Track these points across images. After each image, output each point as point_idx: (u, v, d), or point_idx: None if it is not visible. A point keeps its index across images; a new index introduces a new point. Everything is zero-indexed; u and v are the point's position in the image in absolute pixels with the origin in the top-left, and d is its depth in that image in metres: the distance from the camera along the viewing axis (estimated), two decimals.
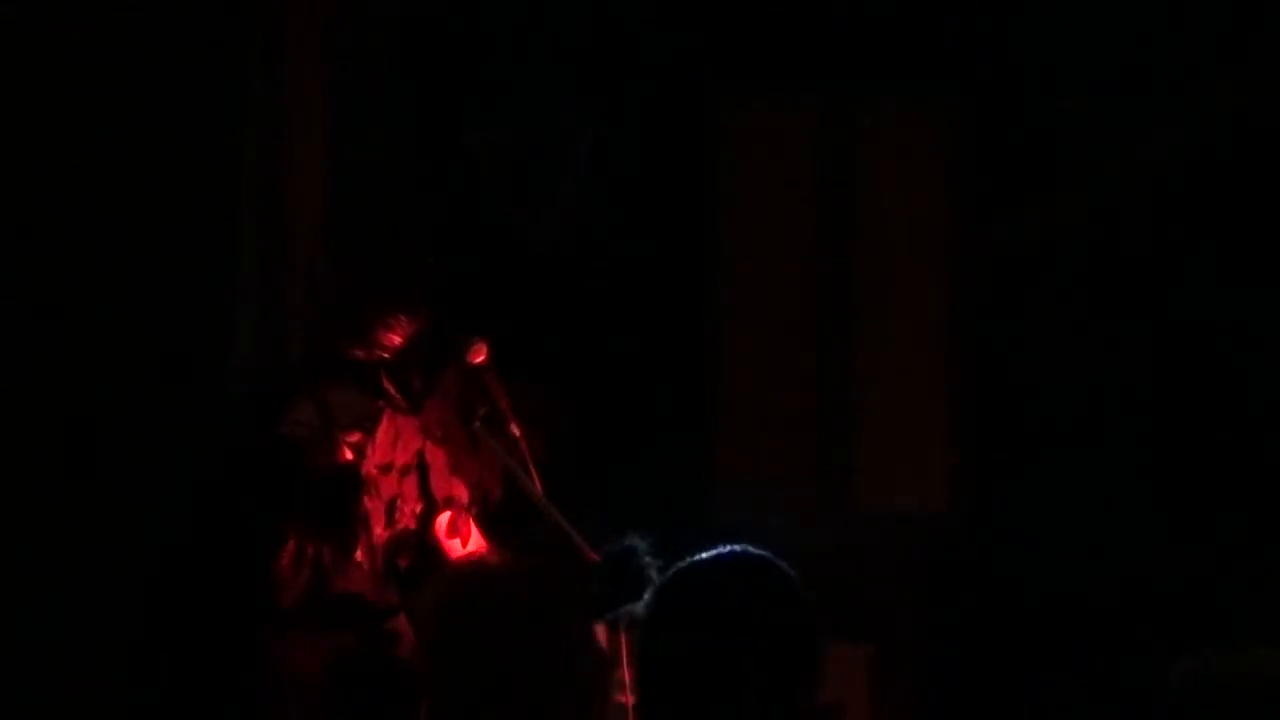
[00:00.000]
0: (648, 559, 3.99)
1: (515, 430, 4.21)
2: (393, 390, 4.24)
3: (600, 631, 3.80)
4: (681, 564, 2.57)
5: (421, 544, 4.26)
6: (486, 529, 4.32)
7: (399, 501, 4.26)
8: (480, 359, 4.23)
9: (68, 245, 4.63)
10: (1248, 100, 5.68)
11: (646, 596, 3.78)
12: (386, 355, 4.23)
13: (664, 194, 5.75)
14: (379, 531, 4.18)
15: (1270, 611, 5.06)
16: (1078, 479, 5.55)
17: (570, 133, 5.70)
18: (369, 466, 4.20)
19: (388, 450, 4.23)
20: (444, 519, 4.32)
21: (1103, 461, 5.61)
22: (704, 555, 2.56)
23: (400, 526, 4.24)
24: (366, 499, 4.20)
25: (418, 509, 4.29)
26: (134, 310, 4.70)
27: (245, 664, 4.06)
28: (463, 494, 4.34)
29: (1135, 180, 5.72)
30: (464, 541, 4.30)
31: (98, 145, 4.65)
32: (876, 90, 5.75)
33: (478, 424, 4.23)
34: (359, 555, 4.15)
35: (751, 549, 2.58)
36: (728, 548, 2.56)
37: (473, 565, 3.93)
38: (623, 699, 3.72)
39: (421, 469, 4.31)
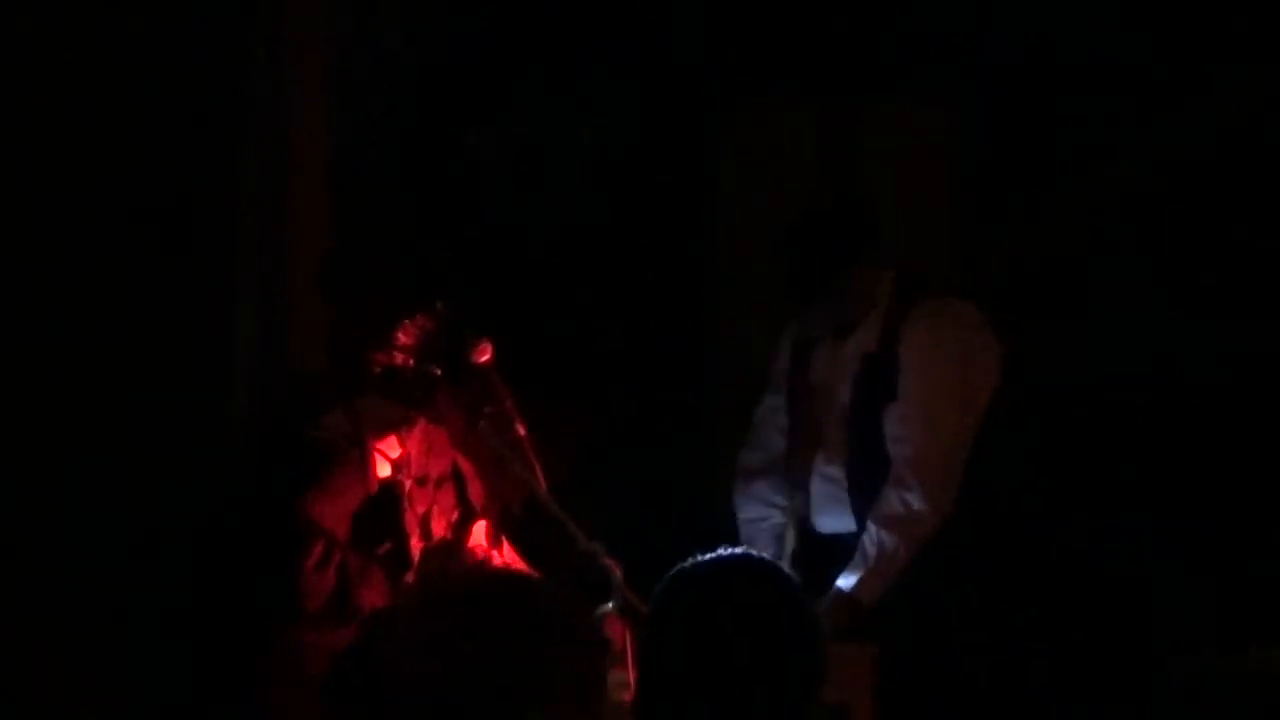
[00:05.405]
0: (607, 562, 4.00)
1: (520, 430, 4.20)
2: (421, 396, 4.22)
3: (613, 629, 3.82)
4: (682, 565, 2.57)
5: (455, 554, 4.24)
6: (514, 537, 4.33)
7: (434, 511, 4.24)
8: (485, 358, 4.23)
9: (67, 246, 4.63)
10: (1249, 100, 5.69)
11: (613, 599, 3.83)
12: (409, 359, 4.20)
13: (665, 194, 5.76)
14: (414, 544, 4.17)
15: (1270, 611, 5.06)
16: (1077, 479, 5.56)
17: (571, 133, 5.71)
18: (406, 480, 4.18)
19: (422, 462, 4.22)
20: (481, 528, 4.32)
21: (1102, 461, 5.61)
22: (704, 557, 2.57)
23: (436, 538, 4.23)
24: (404, 513, 4.19)
25: (453, 518, 4.28)
26: (134, 310, 4.70)
27: (261, 665, 4.05)
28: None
29: (1135, 181, 5.73)
30: (502, 551, 4.30)
31: (97, 146, 4.65)
32: (876, 91, 5.75)
33: (482, 423, 4.22)
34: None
35: (752, 551, 2.60)
36: (728, 549, 2.57)
37: (463, 578, 3.94)
38: (625, 698, 3.72)
39: (458, 478, 4.30)
